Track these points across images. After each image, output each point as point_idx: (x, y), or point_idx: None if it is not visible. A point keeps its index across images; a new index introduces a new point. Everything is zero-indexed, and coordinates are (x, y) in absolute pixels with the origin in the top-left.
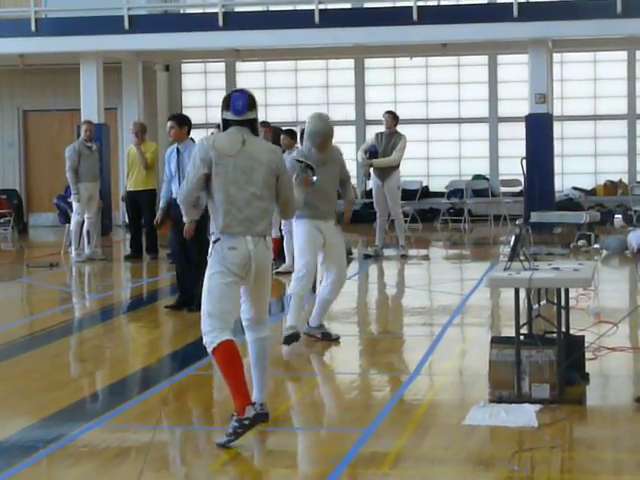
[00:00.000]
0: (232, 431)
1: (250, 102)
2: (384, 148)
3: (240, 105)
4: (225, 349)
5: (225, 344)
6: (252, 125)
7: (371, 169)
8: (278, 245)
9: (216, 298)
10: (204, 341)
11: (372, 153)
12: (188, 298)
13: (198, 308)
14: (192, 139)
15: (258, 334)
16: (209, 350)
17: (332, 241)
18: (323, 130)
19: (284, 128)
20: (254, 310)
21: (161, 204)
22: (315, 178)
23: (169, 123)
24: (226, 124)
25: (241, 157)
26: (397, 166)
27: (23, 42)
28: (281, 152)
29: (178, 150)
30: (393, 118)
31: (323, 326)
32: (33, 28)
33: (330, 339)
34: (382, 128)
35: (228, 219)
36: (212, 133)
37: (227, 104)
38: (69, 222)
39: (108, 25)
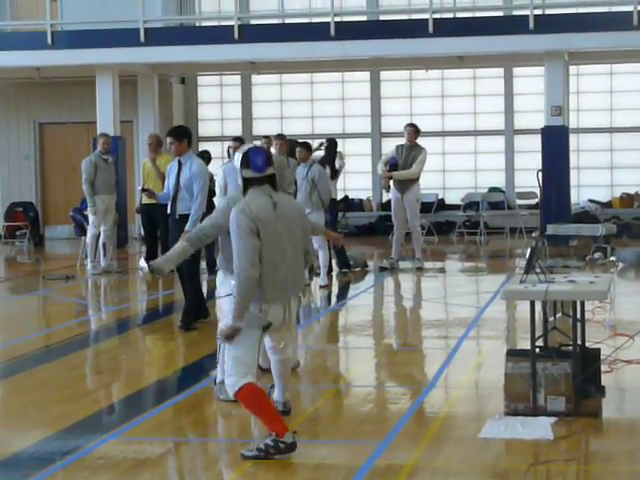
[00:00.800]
0: (264, 448)
1: (268, 158)
2: (404, 161)
3: (260, 162)
4: (248, 392)
5: (247, 387)
6: (272, 181)
7: (391, 182)
8: None
9: (245, 346)
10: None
11: (392, 165)
12: (195, 311)
13: (201, 316)
14: (207, 152)
15: (280, 356)
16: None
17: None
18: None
19: (300, 141)
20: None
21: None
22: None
23: (168, 139)
24: (246, 182)
25: (279, 221)
26: (417, 179)
27: (39, 55)
28: (301, 207)
29: (180, 162)
30: (415, 131)
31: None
32: (49, 41)
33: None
34: (398, 140)
35: (273, 289)
36: (229, 147)
37: (246, 162)
38: (85, 234)
39: (124, 38)
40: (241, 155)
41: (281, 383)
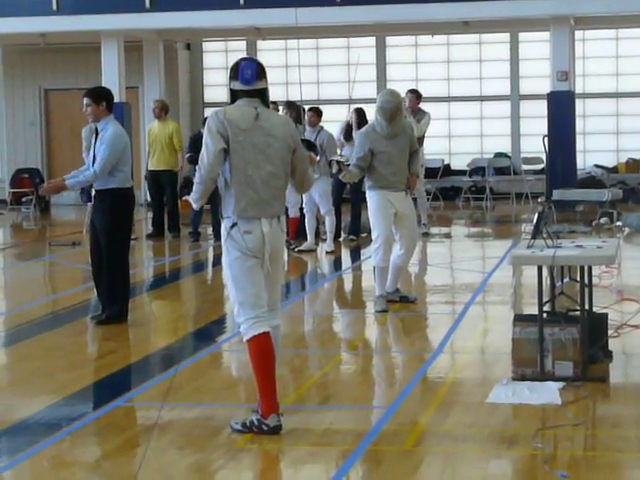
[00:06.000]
0: (249, 426)
1: (259, 71)
2: None
3: (249, 74)
4: (259, 344)
5: (259, 338)
6: (262, 96)
7: None
8: (298, 224)
9: (243, 285)
10: (240, 329)
11: None
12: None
13: (115, 319)
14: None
15: (270, 322)
16: (244, 339)
17: (403, 212)
18: (391, 104)
19: (308, 106)
20: (266, 296)
21: (68, 175)
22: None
23: (84, 100)
24: (234, 95)
25: (257, 133)
26: (421, 144)
27: (44, 21)
28: (293, 124)
29: (97, 130)
30: (416, 97)
31: (399, 290)
32: (54, 7)
33: (408, 301)
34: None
35: (244, 202)
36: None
37: (235, 73)
38: (91, 201)
39: (129, 3)
40: (232, 66)
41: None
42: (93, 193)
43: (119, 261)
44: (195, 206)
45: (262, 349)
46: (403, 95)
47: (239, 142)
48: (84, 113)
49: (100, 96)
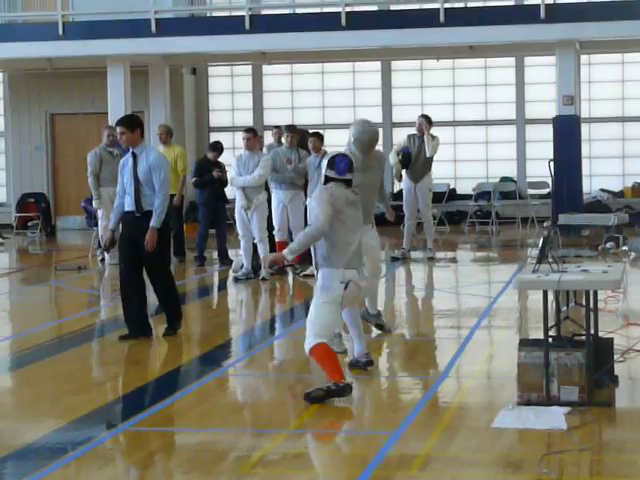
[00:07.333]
0: (326, 390)
1: (350, 165)
2: (418, 150)
3: (343, 167)
4: (320, 349)
5: (321, 345)
6: (348, 183)
7: (403, 171)
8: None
9: (326, 314)
10: (306, 342)
11: (405, 154)
12: (140, 326)
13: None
14: (219, 143)
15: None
16: (307, 349)
17: (368, 243)
18: (369, 135)
19: (312, 131)
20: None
21: (111, 225)
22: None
23: (118, 129)
24: (327, 179)
25: (352, 207)
26: (430, 168)
27: (51, 46)
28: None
29: (134, 155)
30: (427, 122)
31: (380, 316)
32: (60, 32)
33: (382, 330)
34: (409, 130)
35: (347, 257)
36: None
37: (332, 164)
38: (97, 225)
39: (135, 28)
40: (329, 158)
41: (356, 331)
42: (138, 215)
43: (167, 275)
44: (290, 257)
45: (322, 352)
46: (415, 119)
47: (341, 212)
48: (120, 140)
49: (133, 124)
